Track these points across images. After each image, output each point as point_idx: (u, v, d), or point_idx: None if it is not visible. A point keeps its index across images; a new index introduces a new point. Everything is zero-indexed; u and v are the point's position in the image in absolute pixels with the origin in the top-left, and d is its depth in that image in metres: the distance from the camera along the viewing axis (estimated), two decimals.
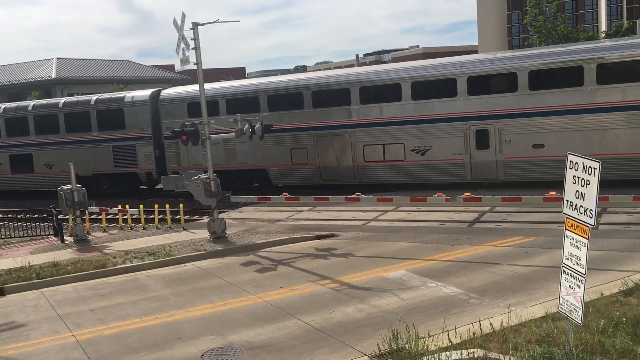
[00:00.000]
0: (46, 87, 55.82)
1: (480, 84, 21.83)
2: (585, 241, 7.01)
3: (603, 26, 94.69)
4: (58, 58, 62.18)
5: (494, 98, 21.56)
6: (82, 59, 66.20)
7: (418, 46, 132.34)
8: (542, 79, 21.08)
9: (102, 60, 69.01)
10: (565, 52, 21.31)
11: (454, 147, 22.20)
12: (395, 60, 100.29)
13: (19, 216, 21.80)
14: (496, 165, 21.69)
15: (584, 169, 6.94)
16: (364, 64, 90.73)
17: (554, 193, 14.90)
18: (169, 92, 28.09)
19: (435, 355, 7.59)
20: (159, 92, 27.99)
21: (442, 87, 22.41)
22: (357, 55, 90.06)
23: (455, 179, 22.39)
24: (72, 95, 43.88)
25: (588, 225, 6.95)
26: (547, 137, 20.84)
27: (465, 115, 21.91)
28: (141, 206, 20.29)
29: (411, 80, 22.70)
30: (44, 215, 20.77)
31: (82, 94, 37.30)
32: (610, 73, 20.28)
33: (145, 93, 28.17)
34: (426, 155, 22.66)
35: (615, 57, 20.20)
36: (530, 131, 21.03)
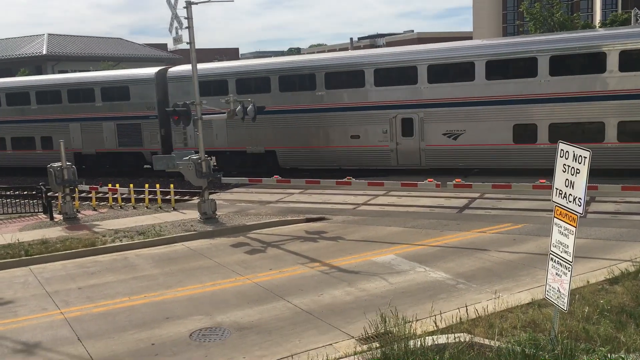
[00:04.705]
0: (37, 63, 55.17)
1: None
2: (573, 229, 7.06)
3: (598, 16, 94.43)
4: (49, 34, 61.40)
5: None
6: (74, 36, 65.41)
7: (412, 31, 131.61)
8: None
9: (94, 37, 68.20)
10: None
11: None
12: (390, 44, 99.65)
13: (8, 193, 21.64)
14: None
15: (574, 157, 6.97)
16: (359, 47, 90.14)
17: (543, 181, 15.02)
18: None
19: (422, 339, 7.66)
20: None
21: None
22: (351, 39, 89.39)
23: None
24: (65, 72, 43.23)
25: (576, 213, 6.99)
26: None
27: None
28: (131, 185, 20.21)
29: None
30: (33, 192, 20.64)
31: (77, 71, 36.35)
32: None
33: None
34: None
35: None
36: None
